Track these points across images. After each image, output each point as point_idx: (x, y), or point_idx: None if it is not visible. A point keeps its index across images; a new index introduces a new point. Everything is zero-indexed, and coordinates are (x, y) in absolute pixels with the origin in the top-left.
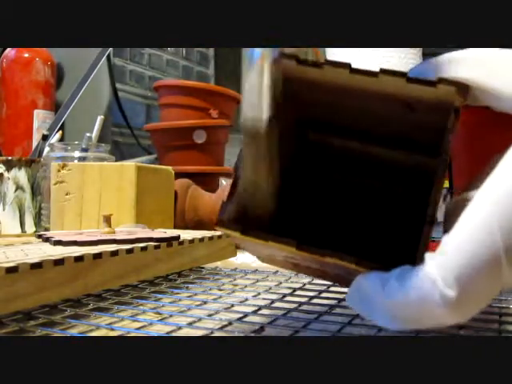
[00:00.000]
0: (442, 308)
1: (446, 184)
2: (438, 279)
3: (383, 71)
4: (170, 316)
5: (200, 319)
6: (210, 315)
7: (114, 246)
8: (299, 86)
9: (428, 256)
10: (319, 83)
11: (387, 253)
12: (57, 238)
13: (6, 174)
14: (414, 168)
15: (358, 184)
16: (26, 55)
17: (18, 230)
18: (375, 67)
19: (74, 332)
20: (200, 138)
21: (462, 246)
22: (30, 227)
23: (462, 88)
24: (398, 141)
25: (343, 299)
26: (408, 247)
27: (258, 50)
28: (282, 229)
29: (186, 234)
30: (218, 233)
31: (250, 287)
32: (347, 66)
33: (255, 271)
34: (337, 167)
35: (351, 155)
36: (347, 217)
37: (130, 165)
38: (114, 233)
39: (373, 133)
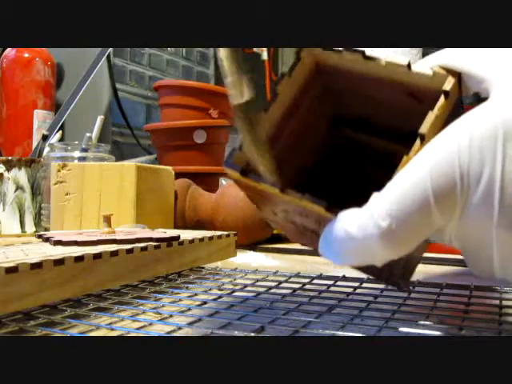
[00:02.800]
0: (376, 239)
1: None
2: (375, 213)
3: (389, 59)
4: (170, 316)
5: (200, 319)
6: (209, 315)
7: (114, 246)
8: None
9: (372, 196)
10: (340, 72)
11: None
12: (57, 238)
13: (6, 174)
14: None
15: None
16: (26, 55)
17: (18, 230)
18: None
19: (74, 332)
20: (200, 138)
21: (397, 188)
22: (30, 227)
23: (454, 74)
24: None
25: (343, 299)
26: None
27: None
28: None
29: (186, 234)
30: (218, 233)
31: (250, 287)
32: (361, 52)
33: (255, 271)
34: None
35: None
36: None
37: (130, 165)
38: (114, 233)
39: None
